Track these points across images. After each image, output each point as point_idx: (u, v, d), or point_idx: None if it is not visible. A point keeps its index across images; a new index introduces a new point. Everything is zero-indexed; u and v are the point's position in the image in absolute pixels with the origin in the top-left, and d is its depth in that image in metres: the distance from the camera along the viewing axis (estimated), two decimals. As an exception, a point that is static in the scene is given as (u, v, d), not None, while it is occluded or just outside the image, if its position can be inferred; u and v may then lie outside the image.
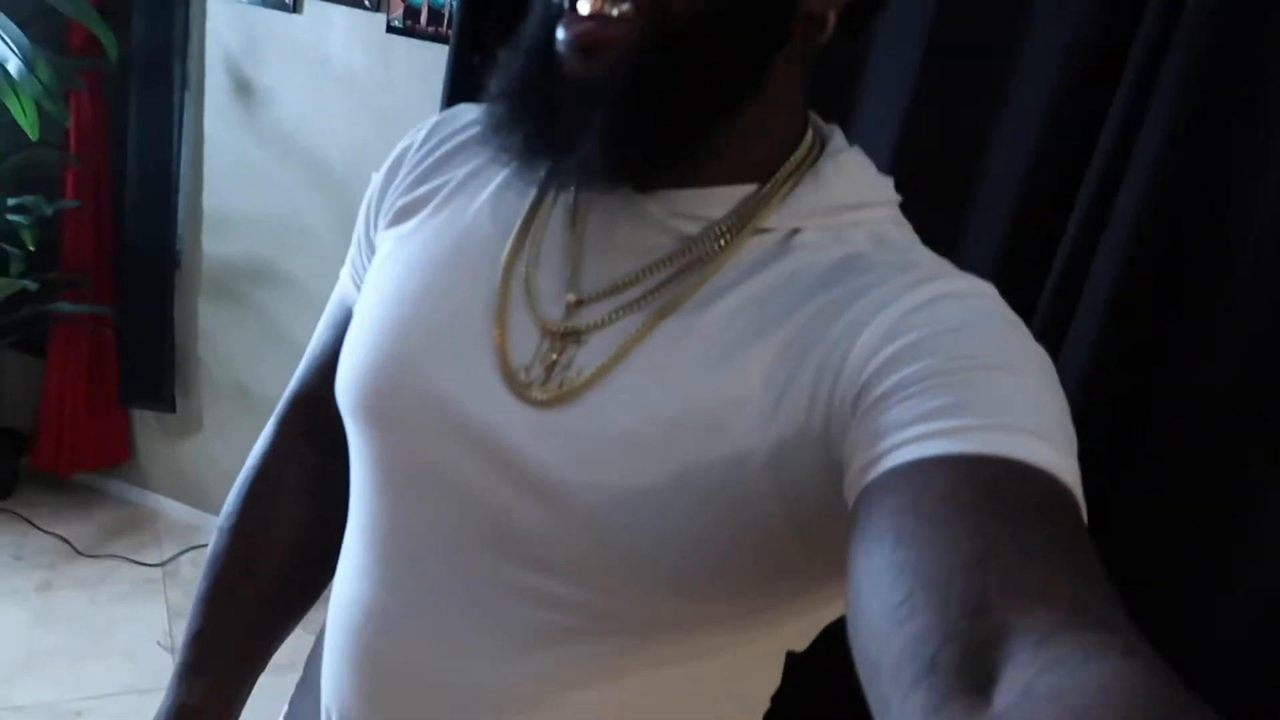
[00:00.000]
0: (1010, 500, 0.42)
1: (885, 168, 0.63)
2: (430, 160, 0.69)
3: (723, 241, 0.58)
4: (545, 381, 0.58)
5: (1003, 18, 1.31)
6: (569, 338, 0.59)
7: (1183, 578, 1.25)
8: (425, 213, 0.67)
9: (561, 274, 0.61)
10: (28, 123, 2.03)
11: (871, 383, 0.50)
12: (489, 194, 0.66)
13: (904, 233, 0.61)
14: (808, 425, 0.53)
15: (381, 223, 0.70)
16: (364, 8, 2.08)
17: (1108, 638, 0.34)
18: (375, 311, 0.65)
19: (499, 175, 0.66)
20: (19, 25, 2.12)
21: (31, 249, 2.18)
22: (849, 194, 0.60)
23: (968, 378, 0.47)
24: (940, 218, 1.32)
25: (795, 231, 0.59)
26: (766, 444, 0.53)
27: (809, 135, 0.62)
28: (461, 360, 0.60)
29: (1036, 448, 0.44)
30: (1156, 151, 1.17)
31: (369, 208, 0.72)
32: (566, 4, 0.55)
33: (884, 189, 0.62)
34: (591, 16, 0.54)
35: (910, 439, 0.45)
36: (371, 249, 0.71)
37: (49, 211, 2.21)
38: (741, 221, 0.58)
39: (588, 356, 0.58)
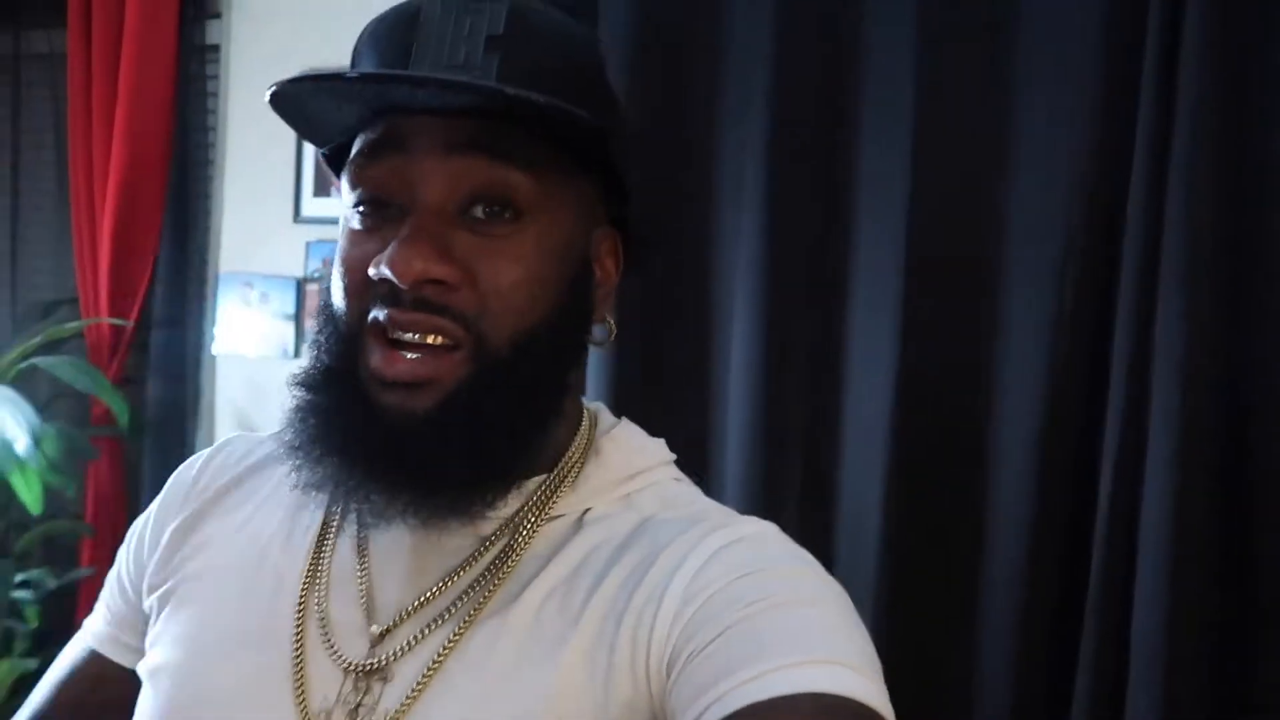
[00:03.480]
0: None
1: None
2: (208, 496, 0.67)
3: (521, 535, 0.58)
4: None
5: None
6: (374, 675, 0.56)
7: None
8: (208, 555, 0.64)
9: (358, 603, 0.59)
10: (31, 497, 2.03)
11: (680, 645, 0.51)
12: (277, 527, 0.63)
13: (685, 488, 0.63)
14: (636, 696, 0.53)
15: (155, 567, 0.66)
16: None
17: None
18: (168, 676, 0.61)
19: (284, 504, 0.63)
20: (47, 402, 2.20)
21: (34, 625, 2.12)
22: (629, 464, 0.62)
23: (765, 620, 0.50)
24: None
25: (587, 510, 0.60)
26: None
27: (584, 416, 0.64)
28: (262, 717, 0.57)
29: (837, 675, 0.47)
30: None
31: (139, 549, 0.68)
32: (373, 330, 0.53)
33: (659, 451, 0.64)
34: (410, 346, 0.53)
35: (720, 694, 0.48)
36: (137, 592, 0.67)
37: (53, 585, 2.17)
38: (536, 512, 0.59)
39: (397, 691, 0.55)
